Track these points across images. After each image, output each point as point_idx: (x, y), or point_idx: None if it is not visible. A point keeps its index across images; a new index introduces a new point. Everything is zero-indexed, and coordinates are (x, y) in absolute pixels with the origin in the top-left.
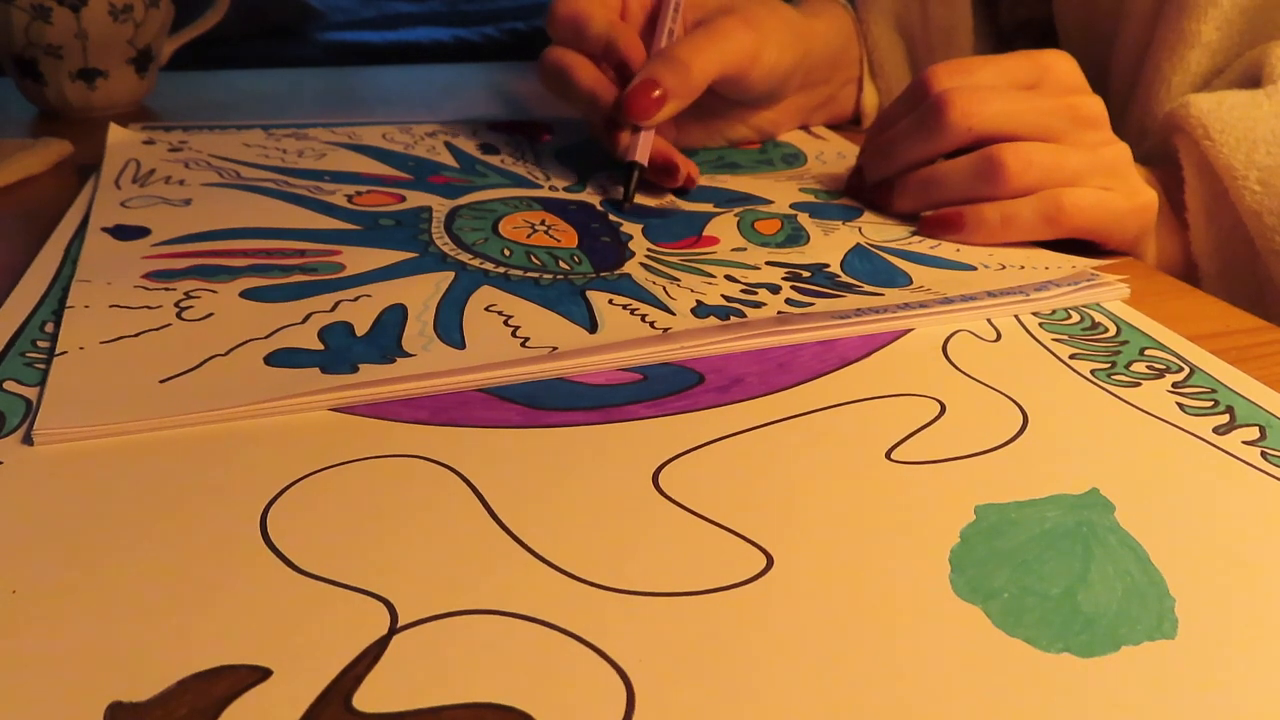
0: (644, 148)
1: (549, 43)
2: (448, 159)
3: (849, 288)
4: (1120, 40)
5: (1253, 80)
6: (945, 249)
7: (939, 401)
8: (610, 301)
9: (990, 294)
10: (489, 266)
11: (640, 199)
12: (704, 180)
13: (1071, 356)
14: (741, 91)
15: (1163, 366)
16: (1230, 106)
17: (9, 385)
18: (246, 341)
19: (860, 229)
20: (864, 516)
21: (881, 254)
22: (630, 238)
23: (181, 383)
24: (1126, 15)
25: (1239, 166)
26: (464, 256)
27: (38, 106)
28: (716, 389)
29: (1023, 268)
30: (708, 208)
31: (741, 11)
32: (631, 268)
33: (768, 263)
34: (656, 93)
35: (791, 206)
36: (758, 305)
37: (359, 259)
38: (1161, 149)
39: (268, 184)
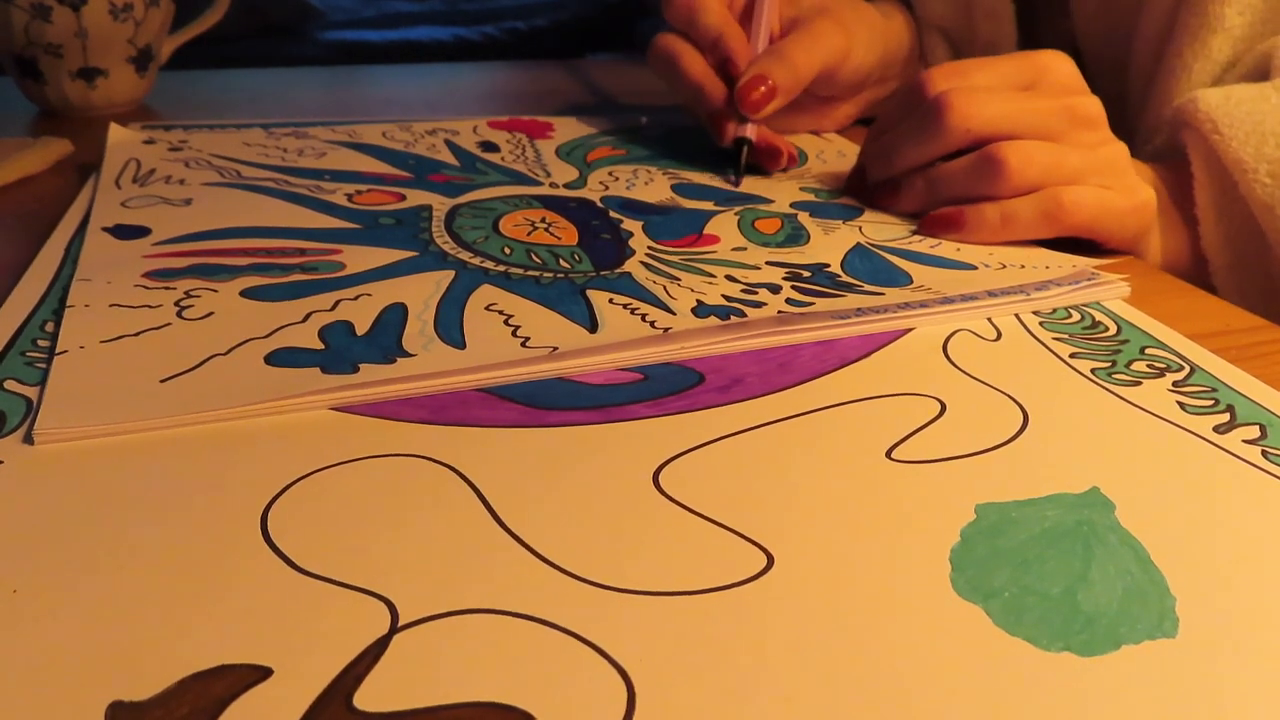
0: (751, 127)
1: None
2: (448, 157)
3: (849, 287)
4: (1141, 31)
5: (1262, 74)
6: (945, 248)
7: (939, 401)
8: (610, 301)
9: (990, 293)
10: (489, 265)
11: (643, 195)
12: (704, 179)
13: (1072, 355)
14: (830, 88)
15: (1163, 365)
16: (1238, 101)
17: (9, 385)
18: (247, 341)
19: (860, 228)
20: (864, 516)
21: (882, 253)
22: (631, 235)
23: (182, 382)
24: (1147, 5)
25: (1249, 160)
26: (464, 255)
27: (38, 105)
28: (717, 389)
29: (1023, 267)
30: (708, 205)
31: (833, 13)
32: (632, 266)
33: (768, 263)
34: (764, 87)
35: (792, 205)
36: (758, 305)
37: (359, 258)
38: (1170, 145)
39: (268, 183)
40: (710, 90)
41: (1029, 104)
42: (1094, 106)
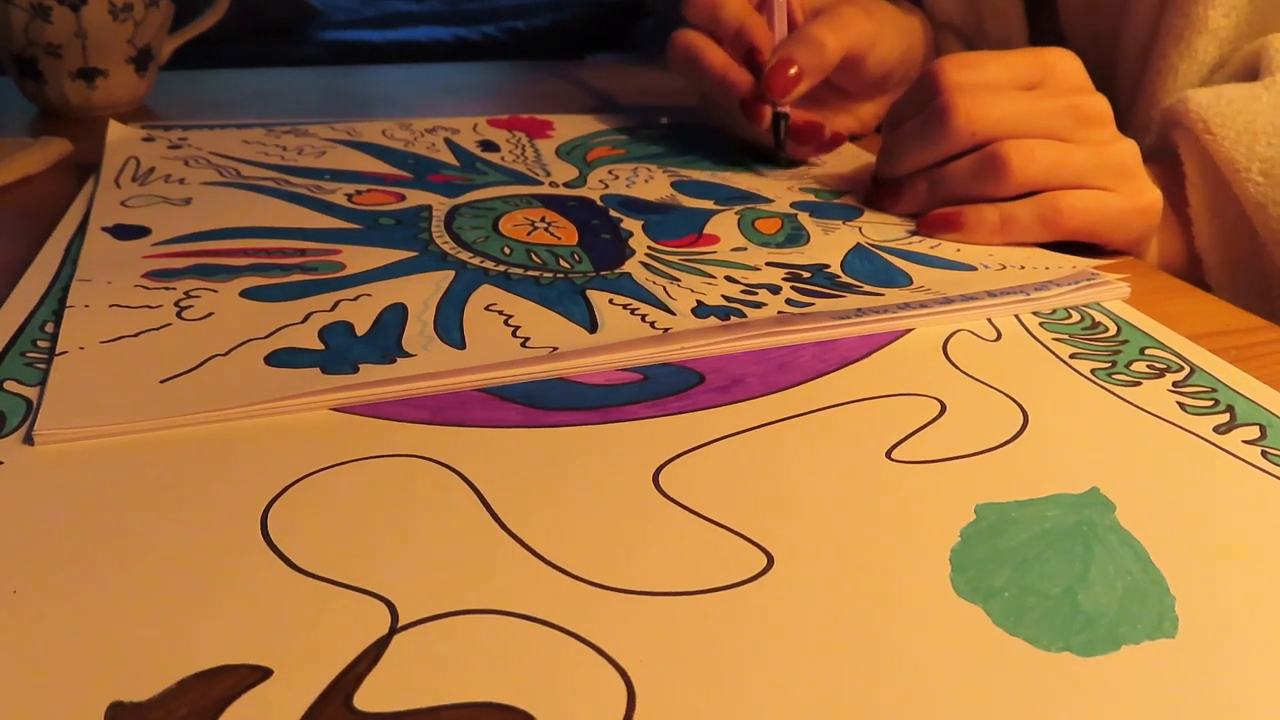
0: (786, 105)
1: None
2: (448, 157)
3: (849, 288)
4: (1126, 33)
5: (1252, 74)
6: (945, 249)
7: (939, 401)
8: (610, 301)
9: (990, 294)
10: (489, 265)
11: (643, 193)
12: (705, 176)
13: (1072, 356)
14: (856, 78)
15: (1163, 366)
16: (1229, 100)
17: (9, 385)
18: (247, 341)
19: (860, 229)
20: (864, 516)
21: (881, 254)
22: (630, 235)
23: (182, 383)
24: (1132, 7)
25: (1240, 159)
26: (464, 255)
27: (38, 106)
28: (717, 389)
29: (1023, 268)
30: (708, 204)
31: (858, 2)
32: (632, 266)
33: (768, 263)
34: (793, 70)
35: (792, 205)
36: (758, 305)
37: (359, 258)
38: (1160, 145)
39: (268, 183)
40: (735, 80)
41: (1035, 104)
42: (1100, 105)
